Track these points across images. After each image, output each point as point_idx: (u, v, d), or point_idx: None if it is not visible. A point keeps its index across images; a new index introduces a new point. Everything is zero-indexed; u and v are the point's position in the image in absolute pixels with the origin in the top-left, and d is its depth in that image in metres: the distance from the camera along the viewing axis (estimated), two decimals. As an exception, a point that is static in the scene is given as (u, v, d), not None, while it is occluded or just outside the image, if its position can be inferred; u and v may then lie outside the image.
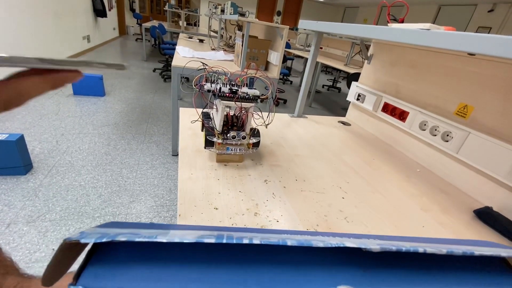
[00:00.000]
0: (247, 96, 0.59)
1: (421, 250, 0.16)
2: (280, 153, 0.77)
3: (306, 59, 4.93)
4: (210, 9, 3.47)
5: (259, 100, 0.60)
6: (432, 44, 0.43)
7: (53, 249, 1.21)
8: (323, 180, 0.66)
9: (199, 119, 0.67)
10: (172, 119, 2.07)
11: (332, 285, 0.16)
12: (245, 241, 0.16)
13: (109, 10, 6.83)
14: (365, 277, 0.17)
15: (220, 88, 0.59)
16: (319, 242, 0.16)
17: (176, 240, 0.16)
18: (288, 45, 5.75)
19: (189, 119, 0.88)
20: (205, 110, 0.69)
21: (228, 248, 0.18)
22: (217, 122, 0.60)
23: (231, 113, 0.66)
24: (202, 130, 0.69)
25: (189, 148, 0.70)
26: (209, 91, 0.59)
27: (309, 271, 0.17)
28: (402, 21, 0.71)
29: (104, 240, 0.15)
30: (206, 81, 0.62)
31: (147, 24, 5.27)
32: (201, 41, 3.56)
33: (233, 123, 0.64)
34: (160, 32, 4.27)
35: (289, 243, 0.16)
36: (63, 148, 1.97)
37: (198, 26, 6.30)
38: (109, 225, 0.19)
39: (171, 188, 1.75)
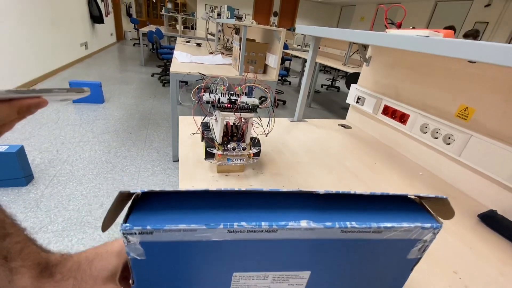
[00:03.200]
0: (246, 106, 0.58)
1: (352, 192, 0.26)
2: (281, 160, 0.76)
3: (304, 59, 4.93)
4: (207, 13, 3.47)
5: (258, 110, 0.60)
6: (431, 51, 0.43)
7: (56, 260, 1.20)
8: (326, 188, 0.66)
9: (198, 132, 0.66)
10: (172, 125, 2.07)
11: (296, 219, 0.24)
12: (236, 189, 0.25)
13: (106, 16, 6.85)
14: (319, 214, 0.25)
15: (219, 98, 0.59)
16: (284, 189, 0.25)
17: (192, 189, 0.24)
18: (285, 46, 5.75)
19: (188, 127, 0.88)
20: (204, 120, 0.69)
21: (227, 199, 0.26)
22: (217, 133, 0.60)
23: (231, 122, 0.66)
24: (202, 140, 0.69)
25: (189, 158, 0.70)
26: (208, 102, 0.59)
27: (281, 212, 0.25)
28: (399, 25, 0.70)
29: (146, 190, 0.23)
30: (205, 91, 0.62)
31: (144, 29, 5.28)
32: (198, 45, 3.56)
33: (233, 133, 0.64)
34: (157, 37, 4.27)
35: (264, 190, 0.24)
36: (63, 157, 1.97)
37: (195, 29, 6.31)
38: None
39: (172, 195, 1.74)
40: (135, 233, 0.22)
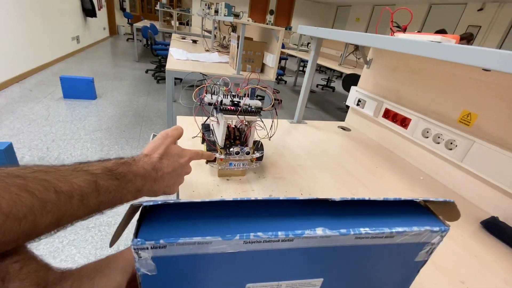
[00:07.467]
0: (249, 109, 0.56)
1: (367, 198, 0.26)
2: (282, 163, 0.75)
3: (300, 59, 4.93)
4: (203, 9, 3.42)
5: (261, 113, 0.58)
6: (443, 57, 0.42)
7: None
8: (329, 193, 0.64)
9: (199, 135, 0.64)
10: (167, 124, 2.03)
11: (311, 227, 0.24)
12: (252, 198, 0.24)
13: (99, 9, 6.69)
14: (333, 221, 0.25)
15: (222, 100, 0.57)
16: (300, 197, 0.25)
17: (205, 200, 0.24)
18: (281, 45, 5.73)
19: (187, 128, 0.85)
20: (205, 122, 0.67)
21: (239, 207, 0.25)
22: (219, 136, 0.58)
23: (233, 124, 0.64)
24: (202, 143, 0.67)
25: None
26: (210, 104, 0.57)
27: (296, 220, 0.25)
28: (405, 29, 0.70)
29: (159, 203, 0.22)
30: (206, 92, 0.59)
31: (139, 24, 5.18)
32: (194, 41, 3.51)
33: (235, 136, 0.62)
34: (152, 33, 4.20)
35: (281, 198, 0.25)
36: (54, 155, 1.91)
37: (191, 25, 6.23)
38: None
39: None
40: (147, 248, 0.21)
